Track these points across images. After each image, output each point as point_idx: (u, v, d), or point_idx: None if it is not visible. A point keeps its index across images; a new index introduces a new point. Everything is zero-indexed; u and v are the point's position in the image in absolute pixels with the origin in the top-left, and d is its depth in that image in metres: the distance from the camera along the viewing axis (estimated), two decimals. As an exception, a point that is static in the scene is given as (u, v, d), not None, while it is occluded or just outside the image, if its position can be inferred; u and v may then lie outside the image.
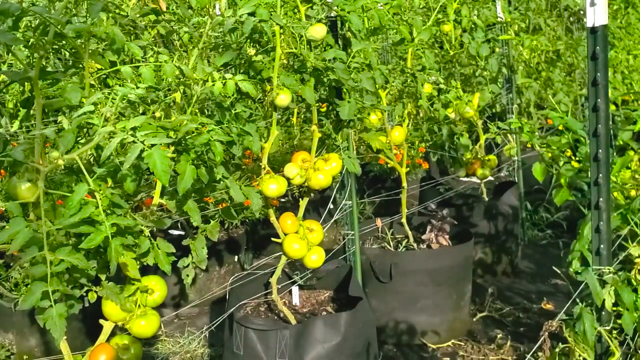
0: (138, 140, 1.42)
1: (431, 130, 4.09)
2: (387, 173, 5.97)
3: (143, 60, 1.94)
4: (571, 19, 7.14)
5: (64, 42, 1.96)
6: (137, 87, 1.54)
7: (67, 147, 1.64)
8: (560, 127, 2.72)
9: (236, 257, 4.17)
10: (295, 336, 2.54)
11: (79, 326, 3.28)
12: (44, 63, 2.27)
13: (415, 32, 3.40)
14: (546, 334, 1.48)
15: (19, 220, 1.56)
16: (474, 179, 4.88)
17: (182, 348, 3.59)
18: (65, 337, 1.91)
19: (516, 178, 5.13)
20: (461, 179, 5.23)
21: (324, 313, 2.95)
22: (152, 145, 1.42)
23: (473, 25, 3.94)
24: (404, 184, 3.80)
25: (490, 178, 5.22)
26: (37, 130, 1.59)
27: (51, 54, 2.61)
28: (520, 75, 4.95)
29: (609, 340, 1.65)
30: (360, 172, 3.01)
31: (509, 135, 4.80)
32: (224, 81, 2.00)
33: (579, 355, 1.49)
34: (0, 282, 3.21)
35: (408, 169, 4.27)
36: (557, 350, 1.50)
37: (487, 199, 4.61)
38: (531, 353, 1.47)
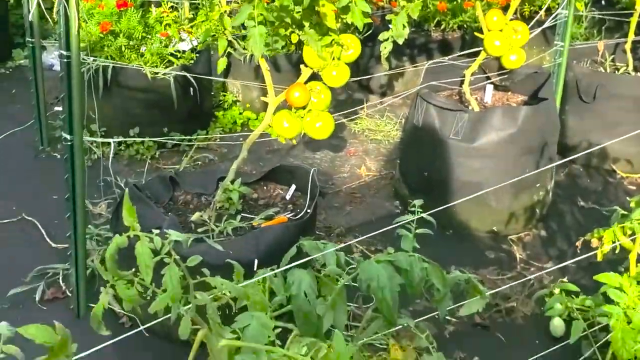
0: None
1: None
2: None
3: None
4: None
5: None
6: None
7: None
8: None
9: (447, 58, 4.28)
10: (473, 120, 2.69)
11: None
12: None
13: None
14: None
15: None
16: None
17: (378, 127, 3.92)
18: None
19: None
20: None
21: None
22: None
23: None
24: (638, 4, 3.53)
25: None
26: None
27: None
28: None
29: None
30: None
31: None
32: None
33: None
34: (234, 39, 3.69)
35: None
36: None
37: None
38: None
